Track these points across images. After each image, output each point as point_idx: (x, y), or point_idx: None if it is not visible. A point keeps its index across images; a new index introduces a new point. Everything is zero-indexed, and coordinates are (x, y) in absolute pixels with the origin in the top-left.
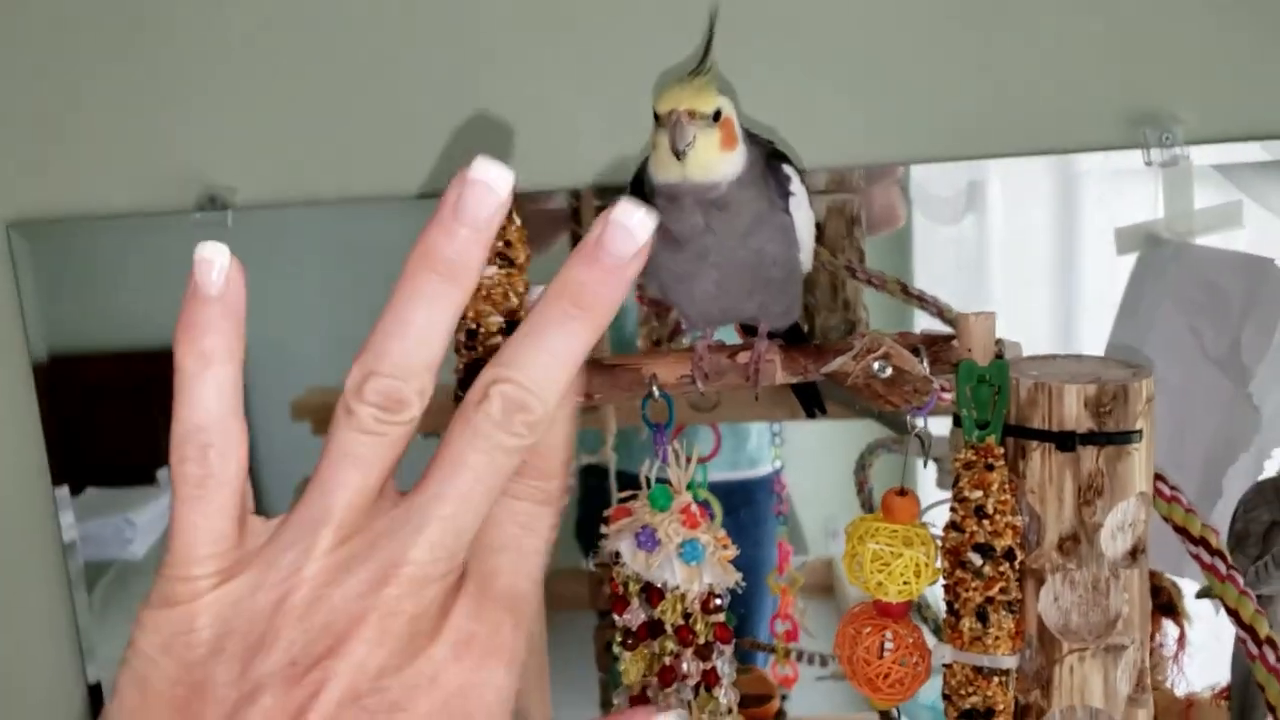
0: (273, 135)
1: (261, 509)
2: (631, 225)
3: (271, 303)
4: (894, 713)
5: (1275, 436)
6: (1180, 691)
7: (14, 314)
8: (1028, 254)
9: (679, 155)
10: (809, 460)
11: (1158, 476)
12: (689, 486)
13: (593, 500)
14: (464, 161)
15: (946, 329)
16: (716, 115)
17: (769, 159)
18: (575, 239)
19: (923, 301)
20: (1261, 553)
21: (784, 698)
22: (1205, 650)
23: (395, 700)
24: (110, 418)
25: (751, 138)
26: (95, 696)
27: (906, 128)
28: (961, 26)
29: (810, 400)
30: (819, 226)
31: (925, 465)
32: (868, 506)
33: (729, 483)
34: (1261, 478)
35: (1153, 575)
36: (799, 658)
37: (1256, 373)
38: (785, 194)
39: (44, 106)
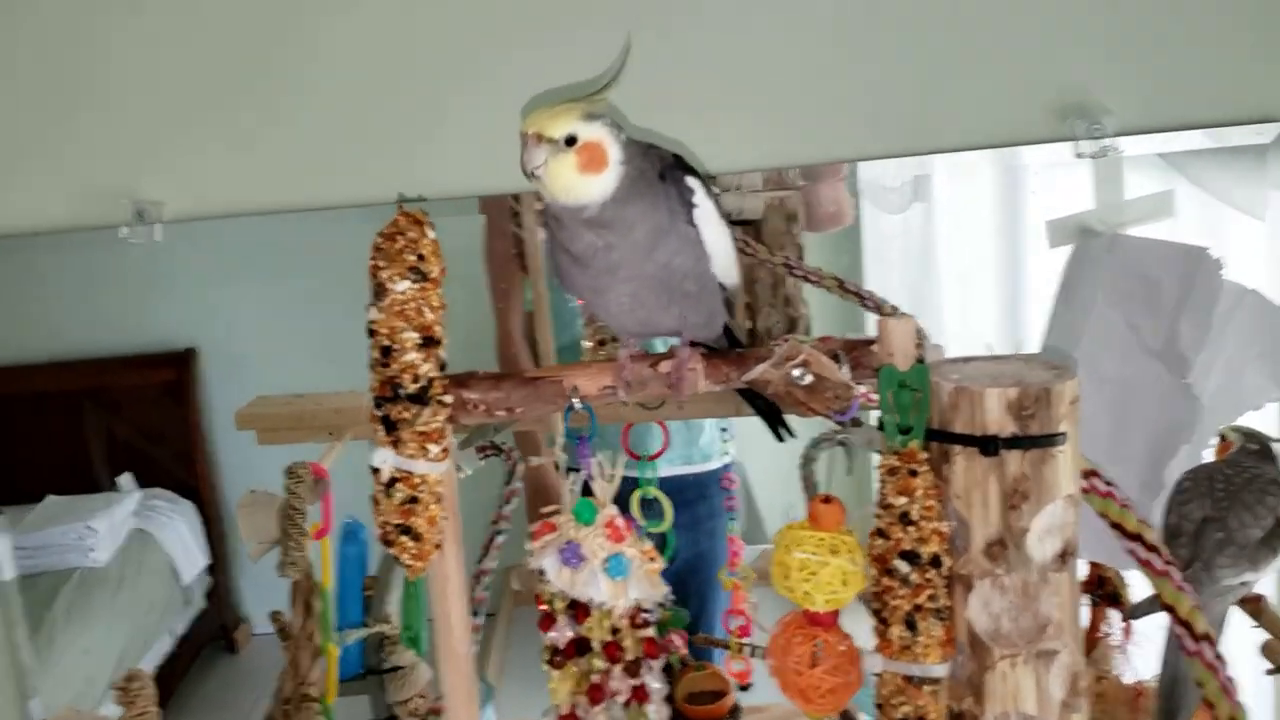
0: (200, 148)
1: (217, 519)
2: None
3: (208, 314)
4: None
5: (1213, 426)
6: (1128, 680)
7: None
8: (974, 242)
9: (528, 176)
10: (766, 450)
11: (1092, 472)
12: (639, 484)
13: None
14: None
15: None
16: (571, 140)
17: (669, 170)
18: (516, 240)
19: (860, 297)
20: (1194, 555)
21: (744, 688)
22: (1152, 640)
23: None
24: (54, 428)
25: (647, 150)
26: None
27: (843, 126)
28: (890, 25)
29: (775, 422)
30: (755, 224)
31: (849, 474)
32: None
33: (682, 477)
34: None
35: (1097, 566)
36: (752, 653)
37: (1195, 362)
38: (688, 205)
39: None
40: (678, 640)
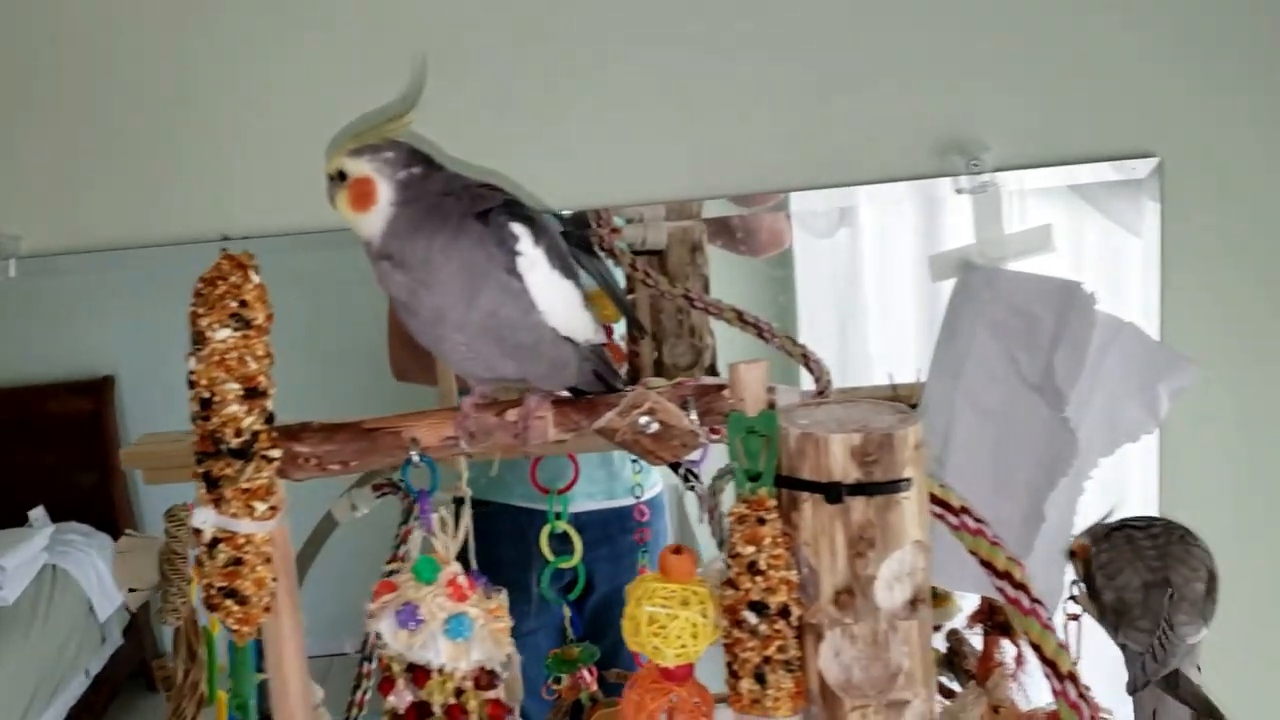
0: (58, 181)
1: None
2: None
3: (128, 342)
4: None
5: (1093, 460)
6: (1023, 707)
7: None
8: (896, 269)
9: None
10: (703, 473)
11: (964, 509)
12: (548, 519)
13: None
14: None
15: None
16: (341, 176)
17: (495, 214)
18: None
19: (758, 329)
20: (1155, 622)
21: None
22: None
23: None
24: None
25: (457, 188)
26: None
27: (716, 163)
28: (770, 64)
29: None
30: (660, 255)
31: (702, 521)
32: (719, 535)
33: (604, 512)
34: (1092, 524)
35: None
36: None
37: (1070, 396)
38: (511, 252)
39: None
40: (588, 676)
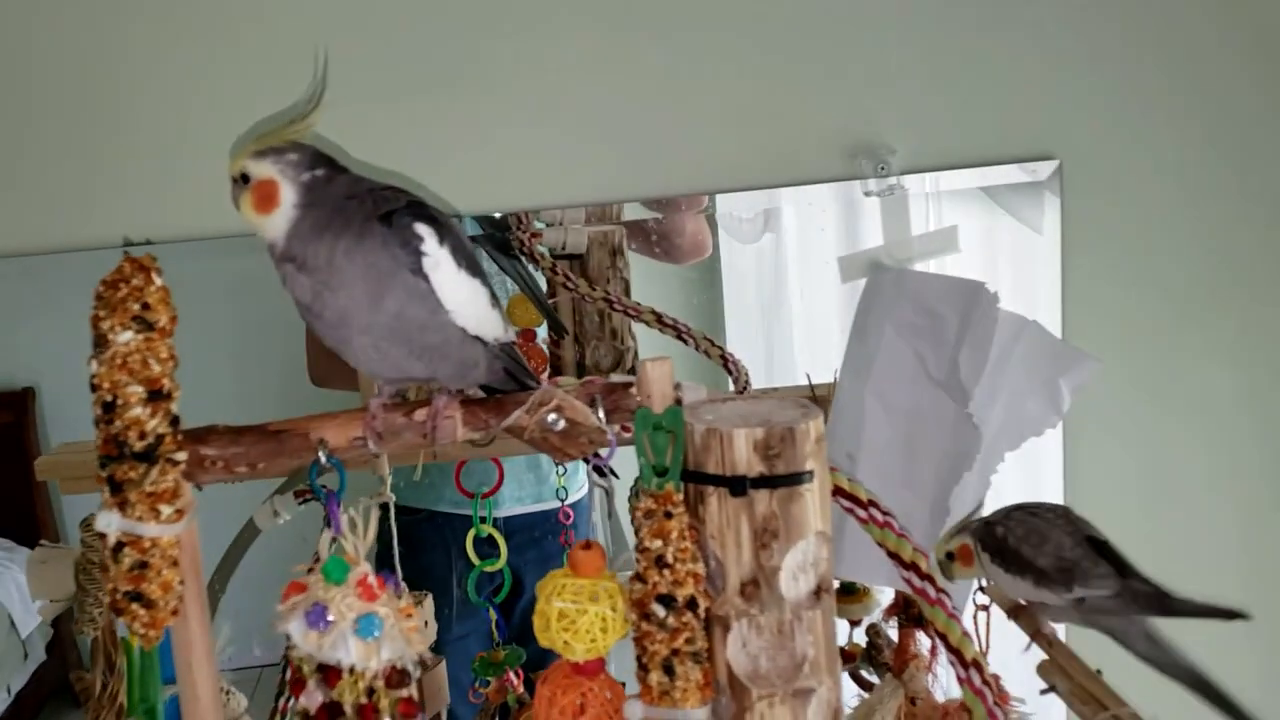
0: None
1: None
2: None
3: (48, 353)
4: None
5: (1000, 454)
6: (940, 698)
7: None
8: (820, 270)
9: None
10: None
11: (871, 502)
12: (473, 524)
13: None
14: None
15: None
16: (245, 178)
17: (398, 215)
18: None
19: (677, 331)
20: (1110, 569)
21: None
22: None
23: None
24: None
25: (361, 190)
26: None
27: (634, 166)
28: (688, 71)
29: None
30: (580, 259)
31: (610, 517)
32: None
33: (532, 515)
34: (985, 513)
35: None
36: None
37: (974, 392)
38: (416, 253)
39: None
40: (514, 679)
